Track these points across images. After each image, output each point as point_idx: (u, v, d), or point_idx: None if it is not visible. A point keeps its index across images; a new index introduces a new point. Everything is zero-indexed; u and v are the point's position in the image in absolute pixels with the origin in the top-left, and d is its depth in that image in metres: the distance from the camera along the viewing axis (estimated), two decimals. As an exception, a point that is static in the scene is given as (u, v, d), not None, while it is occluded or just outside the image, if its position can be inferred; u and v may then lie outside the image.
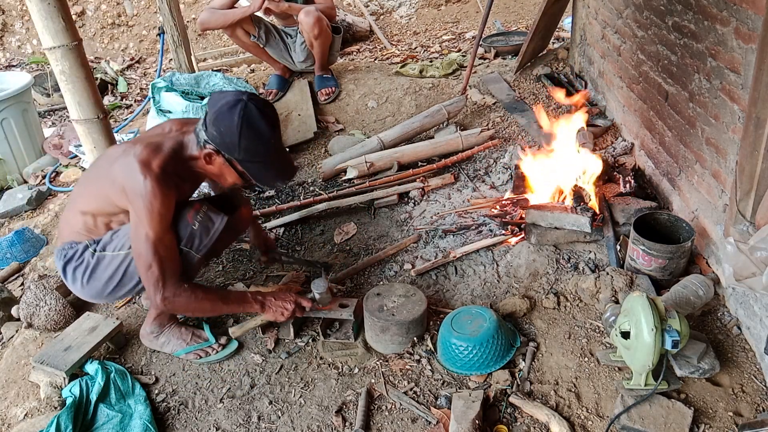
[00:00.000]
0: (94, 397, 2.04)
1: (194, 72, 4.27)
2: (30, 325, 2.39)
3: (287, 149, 2.07)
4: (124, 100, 5.25)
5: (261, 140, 1.88)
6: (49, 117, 4.97)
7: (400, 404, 1.99)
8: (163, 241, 1.89)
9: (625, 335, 1.87)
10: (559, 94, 3.45)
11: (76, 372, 2.14)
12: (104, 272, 2.05)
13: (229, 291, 2.09)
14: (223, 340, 2.26)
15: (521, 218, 2.72)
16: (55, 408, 2.05)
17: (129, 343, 2.33)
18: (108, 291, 2.08)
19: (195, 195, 2.29)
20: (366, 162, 3.31)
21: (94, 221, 2.05)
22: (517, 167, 2.89)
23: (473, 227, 2.79)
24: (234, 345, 2.26)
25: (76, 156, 3.94)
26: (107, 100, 5.15)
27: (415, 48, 5.75)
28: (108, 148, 2.48)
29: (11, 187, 3.74)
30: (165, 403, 2.08)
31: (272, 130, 1.90)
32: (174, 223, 2.01)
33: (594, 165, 2.70)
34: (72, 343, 2.18)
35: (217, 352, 2.23)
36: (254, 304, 2.11)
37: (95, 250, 2.05)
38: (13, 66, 6.00)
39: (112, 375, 2.11)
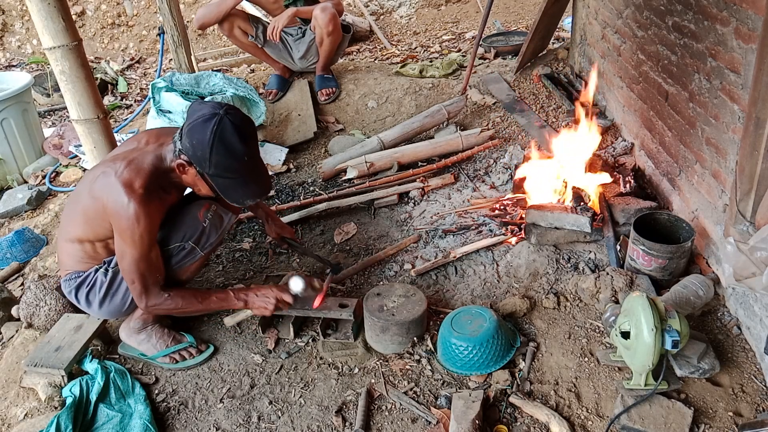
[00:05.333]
0: (94, 396, 2.04)
1: (194, 72, 4.26)
2: (30, 325, 2.39)
3: (264, 166, 2.05)
4: (124, 100, 5.25)
5: (233, 157, 1.85)
6: (49, 117, 4.97)
7: (400, 404, 1.99)
8: (145, 258, 1.93)
9: (625, 335, 1.87)
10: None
11: (74, 372, 2.14)
12: (121, 285, 2.07)
13: (211, 293, 2.13)
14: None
15: (521, 218, 2.72)
16: (55, 408, 2.05)
17: (116, 340, 2.33)
18: (128, 304, 2.11)
19: None
20: (366, 162, 3.31)
21: (93, 248, 2.06)
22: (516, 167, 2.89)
23: (473, 227, 2.79)
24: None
25: (76, 156, 3.94)
26: (107, 100, 5.15)
27: (415, 48, 5.76)
28: (106, 154, 2.47)
29: (11, 187, 3.74)
30: (165, 403, 2.08)
31: (246, 147, 1.86)
32: (183, 221, 2.05)
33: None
34: (61, 343, 2.18)
35: (194, 356, 2.23)
36: (237, 303, 2.12)
37: (107, 270, 2.07)
38: (13, 66, 6.00)
39: (111, 375, 2.11)
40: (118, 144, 2.40)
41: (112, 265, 2.07)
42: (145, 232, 1.88)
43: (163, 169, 1.95)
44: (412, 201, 3.12)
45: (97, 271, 2.08)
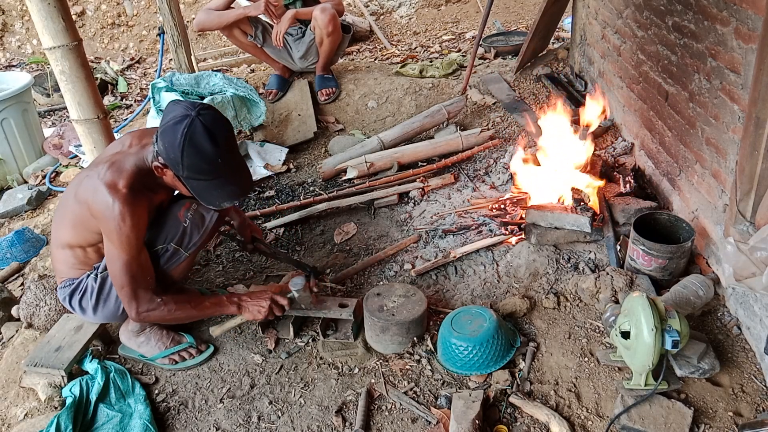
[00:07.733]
0: (94, 396, 2.04)
1: (194, 72, 4.27)
2: (30, 325, 2.39)
3: (243, 168, 1.99)
4: (124, 100, 5.25)
5: (204, 159, 1.81)
6: (49, 117, 4.97)
7: (400, 404, 1.99)
8: (135, 261, 1.91)
9: (625, 335, 1.87)
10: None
11: (74, 372, 2.14)
12: (113, 289, 2.05)
13: (204, 297, 2.13)
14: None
15: (521, 218, 2.72)
16: (55, 408, 2.05)
17: (116, 340, 2.32)
18: (122, 307, 2.09)
19: None
20: (366, 162, 3.31)
21: (84, 253, 2.05)
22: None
23: (473, 227, 2.79)
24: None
25: (76, 156, 3.94)
26: (107, 100, 5.15)
27: (415, 48, 5.75)
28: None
29: (11, 187, 3.74)
30: (165, 403, 2.08)
31: (218, 149, 1.81)
32: (164, 222, 2.03)
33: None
34: (61, 343, 2.18)
35: (194, 356, 2.22)
36: (230, 307, 2.10)
37: (97, 275, 2.06)
38: (13, 66, 6.00)
39: (111, 375, 2.11)
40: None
41: (100, 270, 2.05)
42: (132, 232, 1.86)
43: (146, 169, 1.93)
44: (412, 201, 3.12)
45: (88, 277, 2.07)
